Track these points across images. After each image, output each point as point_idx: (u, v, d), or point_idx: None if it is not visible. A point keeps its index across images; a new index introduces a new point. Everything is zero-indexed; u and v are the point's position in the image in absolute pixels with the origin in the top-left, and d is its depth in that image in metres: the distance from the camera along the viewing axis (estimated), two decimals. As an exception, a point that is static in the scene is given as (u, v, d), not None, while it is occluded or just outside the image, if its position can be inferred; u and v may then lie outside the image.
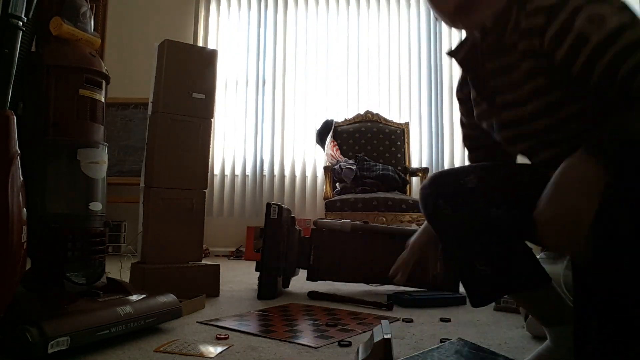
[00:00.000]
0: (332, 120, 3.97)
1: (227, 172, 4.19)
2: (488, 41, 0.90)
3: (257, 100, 4.26)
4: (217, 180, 4.17)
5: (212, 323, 1.40)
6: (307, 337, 1.26)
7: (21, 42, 1.11)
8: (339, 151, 3.79)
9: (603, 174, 0.66)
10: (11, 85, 1.06)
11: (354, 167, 3.51)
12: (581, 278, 0.75)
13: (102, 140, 1.34)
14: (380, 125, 3.97)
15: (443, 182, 0.97)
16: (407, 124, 4.06)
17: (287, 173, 4.19)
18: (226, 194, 4.16)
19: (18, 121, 1.04)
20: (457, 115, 4.33)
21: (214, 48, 2.06)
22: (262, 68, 4.31)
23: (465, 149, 1.17)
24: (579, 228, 0.65)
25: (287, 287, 2.12)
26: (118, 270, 1.95)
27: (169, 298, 1.35)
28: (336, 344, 1.20)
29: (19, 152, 1.00)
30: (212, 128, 2.02)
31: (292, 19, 4.35)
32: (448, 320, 1.52)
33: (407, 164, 3.89)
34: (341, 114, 4.23)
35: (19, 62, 1.12)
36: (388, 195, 3.28)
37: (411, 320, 1.51)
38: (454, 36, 4.40)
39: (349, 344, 1.19)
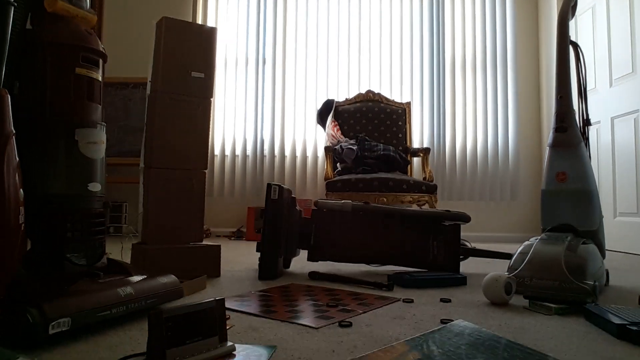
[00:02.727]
0: (332, 100, 3.93)
1: (228, 152, 4.18)
2: None
3: (257, 79, 4.22)
4: (217, 160, 4.16)
5: (213, 303, 1.40)
6: (307, 317, 1.26)
7: (15, 19, 1.08)
8: (339, 131, 3.77)
9: None
10: (4, 63, 1.04)
11: (355, 147, 3.49)
12: None
13: (100, 120, 1.33)
14: (382, 104, 3.94)
15: None
16: (408, 104, 4.02)
17: (287, 153, 4.17)
18: (226, 174, 4.15)
19: (14, 100, 1.02)
20: (459, 94, 4.31)
21: (213, 26, 2.02)
22: (262, 47, 4.26)
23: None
24: None
25: (288, 267, 2.12)
26: (119, 250, 1.96)
27: (170, 279, 1.35)
28: (337, 324, 1.20)
29: (14, 132, 0.99)
30: (211, 108, 2.00)
31: (293, -3, 4.28)
32: (448, 301, 1.52)
33: (408, 144, 3.87)
34: (342, 94, 4.19)
35: (14, 40, 1.09)
36: (389, 175, 3.27)
37: (412, 301, 1.51)
38: (456, 14, 4.33)
39: (350, 325, 1.19)
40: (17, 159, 0.98)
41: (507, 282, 1.49)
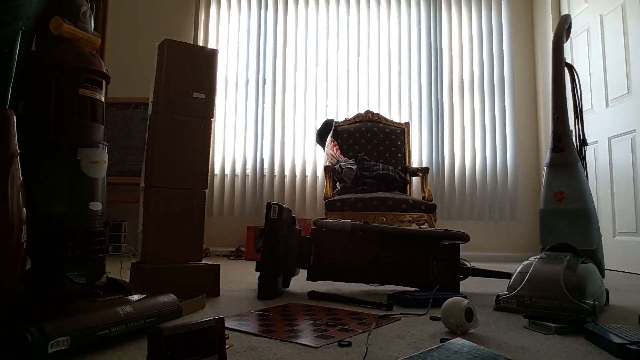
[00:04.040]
0: (332, 120, 3.97)
1: (227, 171, 4.19)
2: None
3: (257, 99, 4.26)
4: (217, 180, 4.17)
5: (212, 323, 1.40)
6: (307, 337, 1.26)
7: (21, 41, 1.11)
8: (339, 151, 3.79)
9: None
10: (11, 85, 1.06)
11: (354, 167, 3.51)
12: None
13: (102, 139, 1.34)
14: (381, 125, 3.97)
15: None
16: (407, 124, 4.06)
17: (287, 173, 4.19)
18: (226, 194, 4.16)
19: (18, 121, 1.04)
20: (457, 115, 4.35)
21: (214, 48, 2.06)
22: (262, 68, 4.31)
23: None
24: None
25: (287, 287, 2.12)
26: (118, 269, 1.95)
27: (169, 298, 1.35)
28: (336, 344, 1.20)
29: (18, 151, 1.00)
30: (212, 128, 2.02)
31: (292, 19, 4.35)
32: (448, 320, 1.52)
33: (407, 163, 3.89)
34: (341, 114, 4.23)
35: (19, 61, 1.12)
36: (388, 195, 3.28)
37: (411, 320, 1.50)
38: (454, 36, 4.40)
39: (349, 344, 1.19)
40: (21, 178, 1.00)
41: (467, 308, 1.33)
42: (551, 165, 1.92)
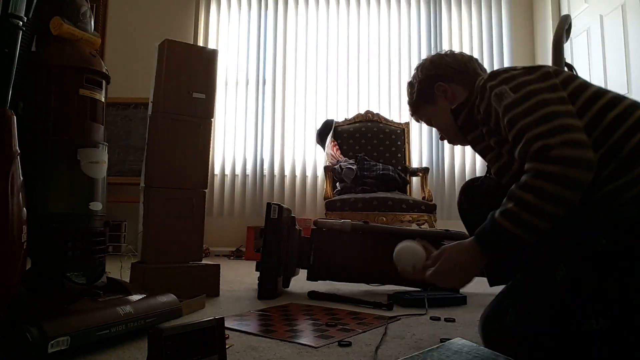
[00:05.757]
0: (332, 120, 3.97)
1: (227, 171, 4.19)
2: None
3: (257, 100, 4.26)
4: (217, 180, 4.17)
5: (212, 323, 1.40)
6: (307, 337, 1.26)
7: (21, 41, 1.10)
8: (339, 151, 3.79)
9: (480, 257, 1.11)
10: (11, 85, 1.06)
11: (354, 167, 3.51)
12: None
13: (102, 140, 1.34)
14: (381, 125, 3.97)
15: None
16: (407, 124, 4.05)
17: (287, 173, 4.19)
18: (226, 194, 4.16)
19: (18, 121, 1.04)
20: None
21: (214, 48, 2.07)
22: (262, 68, 4.31)
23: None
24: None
25: (287, 287, 2.12)
26: (118, 270, 1.95)
27: (169, 298, 1.35)
28: (336, 343, 1.20)
29: (19, 151, 1.00)
30: (212, 128, 2.02)
31: (292, 19, 4.35)
32: (448, 320, 1.52)
33: (407, 163, 3.88)
34: (341, 114, 4.23)
35: (19, 61, 1.12)
36: (388, 195, 3.28)
37: (411, 320, 1.51)
38: (454, 36, 4.40)
39: (349, 344, 1.19)
40: (22, 178, 1.00)
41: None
42: (551, 165, 1.91)
